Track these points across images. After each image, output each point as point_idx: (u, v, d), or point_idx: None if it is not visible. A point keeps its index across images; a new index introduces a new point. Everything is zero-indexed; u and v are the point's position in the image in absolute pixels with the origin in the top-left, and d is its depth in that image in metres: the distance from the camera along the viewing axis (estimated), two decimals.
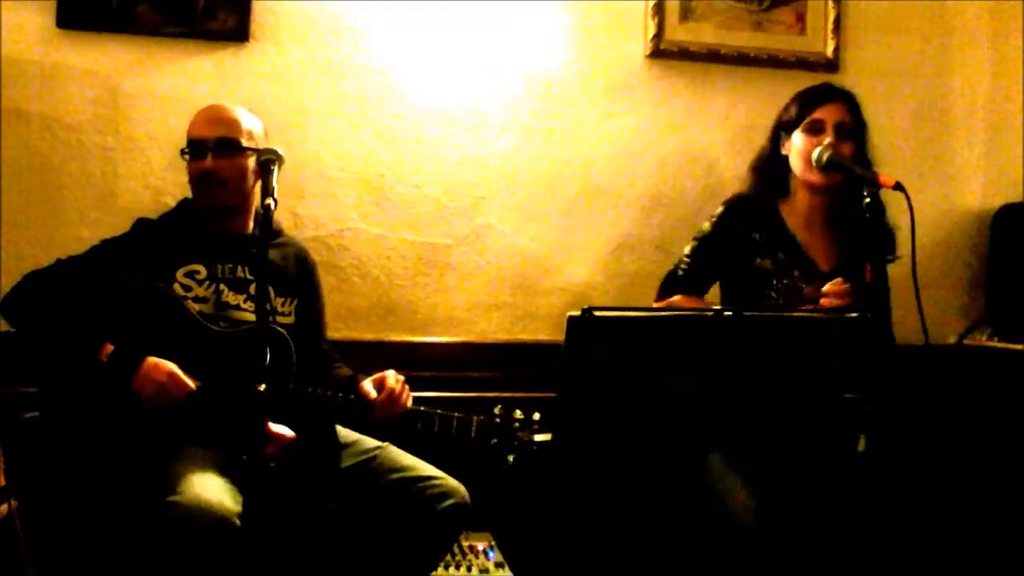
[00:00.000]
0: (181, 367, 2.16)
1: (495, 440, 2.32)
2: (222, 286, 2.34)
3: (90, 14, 2.79)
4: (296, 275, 2.51)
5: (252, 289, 2.34)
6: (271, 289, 2.37)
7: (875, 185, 2.38)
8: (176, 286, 2.30)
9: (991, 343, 3.14)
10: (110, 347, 2.13)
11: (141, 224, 2.43)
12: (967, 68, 3.39)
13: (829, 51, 3.24)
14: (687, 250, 2.73)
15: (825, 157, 2.48)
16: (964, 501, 2.74)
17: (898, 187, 2.44)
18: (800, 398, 2.13)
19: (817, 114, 2.61)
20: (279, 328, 2.25)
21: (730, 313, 1.98)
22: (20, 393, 2.25)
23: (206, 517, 1.91)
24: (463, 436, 2.31)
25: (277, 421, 2.10)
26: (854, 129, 2.61)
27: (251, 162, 2.37)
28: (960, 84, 3.39)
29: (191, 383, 2.16)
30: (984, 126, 3.41)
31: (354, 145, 2.99)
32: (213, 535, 1.91)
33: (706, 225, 2.72)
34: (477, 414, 2.33)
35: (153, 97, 2.85)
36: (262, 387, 1.94)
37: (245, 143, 2.38)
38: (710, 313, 2.02)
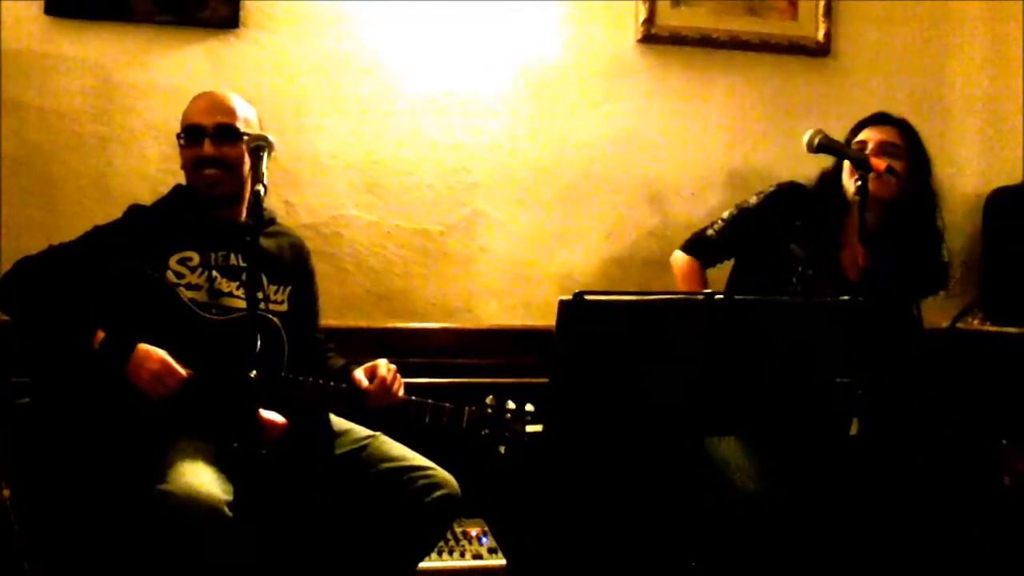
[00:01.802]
0: (172, 355, 2.15)
1: (486, 431, 2.31)
2: (215, 273, 2.32)
3: (81, 2, 2.78)
4: (290, 263, 2.50)
5: (245, 276, 2.33)
6: (264, 277, 2.37)
7: (866, 168, 2.39)
8: (169, 273, 2.29)
9: (984, 327, 3.15)
10: (102, 334, 2.13)
11: (134, 210, 2.41)
12: (962, 52, 3.38)
13: (820, 36, 3.23)
14: (725, 215, 2.76)
15: (816, 140, 2.48)
16: (956, 485, 2.75)
17: (890, 171, 2.45)
18: (792, 382, 2.13)
19: (863, 135, 2.65)
20: (270, 316, 2.25)
21: (720, 297, 1.99)
22: (12, 381, 2.25)
23: (196, 506, 1.91)
24: (454, 427, 2.30)
25: (269, 409, 2.10)
26: (907, 151, 2.62)
27: (244, 149, 2.36)
28: (955, 69, 3.38)
29: (183, 371, 2.15)
30: (981, 110, 3.40)
31: (347, 132, 2.99)
32: (203, 524, 1.91)
33: (753, 199, 2.74)
34: (469, 404, 2.32)
35: (148, 86, 2.86)
36: (253, 374, 1.94)
37: (243, 130, 2.37)
38: (700, 297, 2.03)
